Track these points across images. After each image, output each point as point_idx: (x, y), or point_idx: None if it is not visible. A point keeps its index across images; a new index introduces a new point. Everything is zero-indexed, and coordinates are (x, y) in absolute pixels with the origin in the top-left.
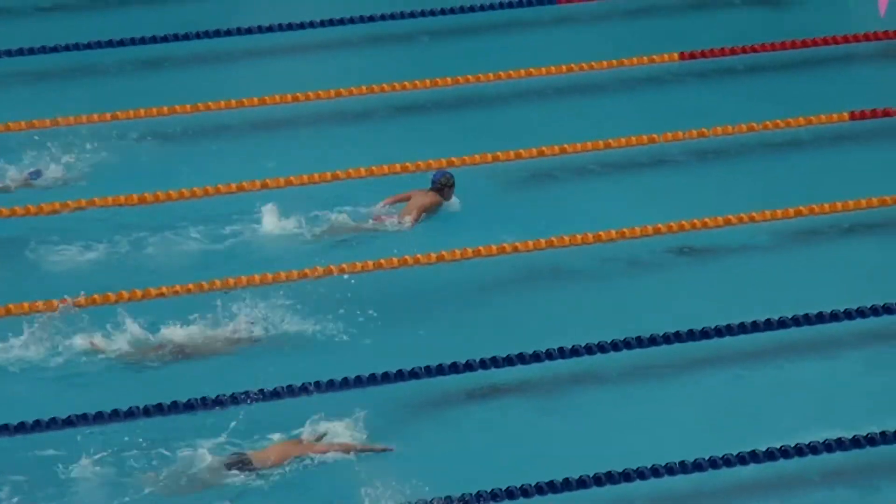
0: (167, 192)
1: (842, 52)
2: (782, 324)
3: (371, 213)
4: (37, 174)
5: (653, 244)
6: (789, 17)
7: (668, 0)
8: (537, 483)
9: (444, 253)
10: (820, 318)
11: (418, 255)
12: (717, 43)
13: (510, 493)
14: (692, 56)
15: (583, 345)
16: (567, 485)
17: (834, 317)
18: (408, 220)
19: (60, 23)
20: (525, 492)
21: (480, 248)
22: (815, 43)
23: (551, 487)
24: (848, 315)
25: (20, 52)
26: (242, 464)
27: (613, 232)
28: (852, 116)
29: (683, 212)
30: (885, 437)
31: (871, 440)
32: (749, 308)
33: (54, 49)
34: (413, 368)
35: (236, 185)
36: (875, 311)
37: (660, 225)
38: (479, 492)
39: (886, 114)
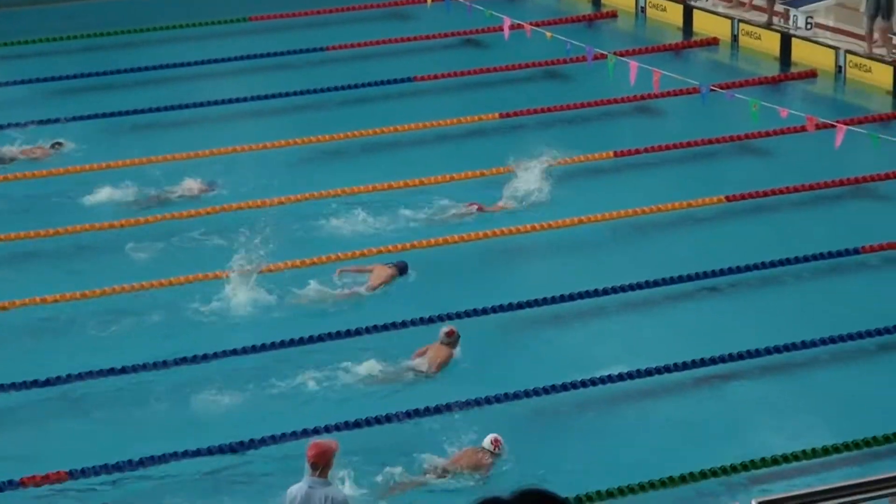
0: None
1: (605, 110)
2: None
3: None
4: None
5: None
6: (570, 87)
7: (489, 77)
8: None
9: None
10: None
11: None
12: (524, 105)
13: None
14: (508, 115)
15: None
16: None
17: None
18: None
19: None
20: None
21: None
22: (588, 104)
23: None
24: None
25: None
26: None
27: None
28: (615, 154)
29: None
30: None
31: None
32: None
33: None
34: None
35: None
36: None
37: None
38: None
39: (637, 152)
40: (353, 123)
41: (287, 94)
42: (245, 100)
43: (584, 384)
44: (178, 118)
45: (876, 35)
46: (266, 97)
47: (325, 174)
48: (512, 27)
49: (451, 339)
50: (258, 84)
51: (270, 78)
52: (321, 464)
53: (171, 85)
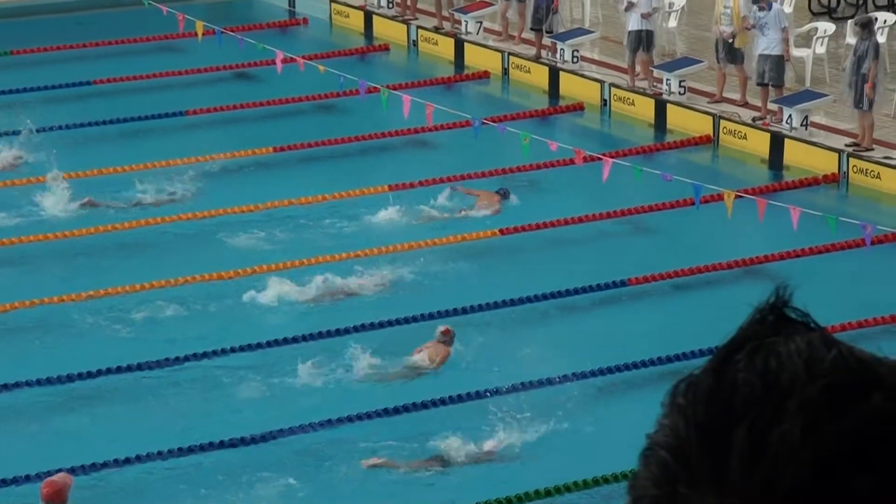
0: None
1: (380, 143)
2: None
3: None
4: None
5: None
6: (344, 120)
7: (262, 111)
8: None
9: None
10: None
11: None
12: (299, 139)
13: None
14: (282, 149)
15: None
16: None
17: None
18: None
19: None
20: None
21: None
22: (362, 138)
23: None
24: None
25: None
26: None
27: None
28: (390, 188)
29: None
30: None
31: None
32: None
33: None
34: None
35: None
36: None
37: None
38: None
39: (412, 185)
40: (122, 158)
41: (52, 129)
42: (8, 134)
43: (291, 431)
44: None
45: (638, 68)
46: (31, 132)
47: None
48: (284, 60)
49: (447, 338)
50: (23, 118)
51: (35, 112)
52: (57, 501)
53: None
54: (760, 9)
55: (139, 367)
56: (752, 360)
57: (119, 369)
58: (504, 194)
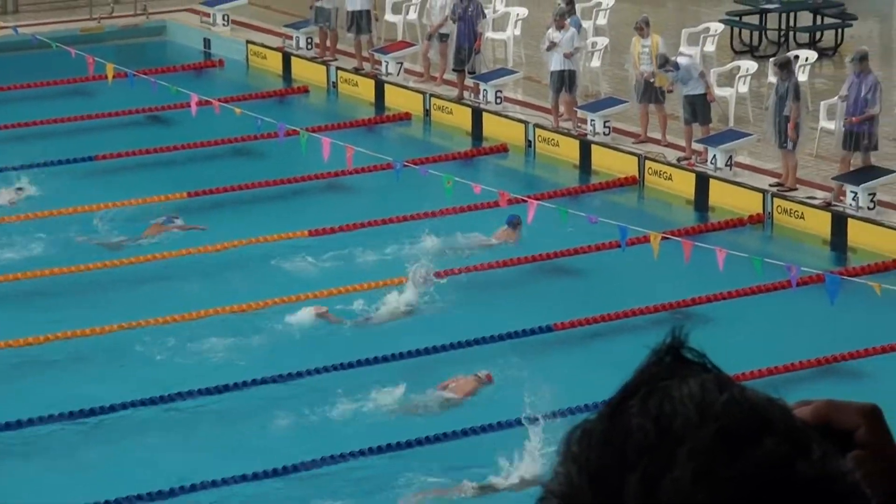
0: None
1: (298, 187)
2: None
3: None
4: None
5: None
6: (261, 164)
7: (176, 155)
8: None
9: None
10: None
11: None
12: (214, 183)
13: None
14: (197, 194)
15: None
16: None
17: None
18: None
19: None
20: None
21: None
22: (280, 182)
23: None
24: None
25: None
26: None
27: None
28: (311, 233)
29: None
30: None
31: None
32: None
33: None
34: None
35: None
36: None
37: None
38: None
39: (332, 230)
40: (30, 205)
41: None
42: None
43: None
44: None
45: (562, 108)
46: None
47: None
48: (199, 103)
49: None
50: None
51: None
52: None
53: None
54: (667, 71)
55: (70, 415)
56: (646, 404)
57: (51, 418)
58: None
